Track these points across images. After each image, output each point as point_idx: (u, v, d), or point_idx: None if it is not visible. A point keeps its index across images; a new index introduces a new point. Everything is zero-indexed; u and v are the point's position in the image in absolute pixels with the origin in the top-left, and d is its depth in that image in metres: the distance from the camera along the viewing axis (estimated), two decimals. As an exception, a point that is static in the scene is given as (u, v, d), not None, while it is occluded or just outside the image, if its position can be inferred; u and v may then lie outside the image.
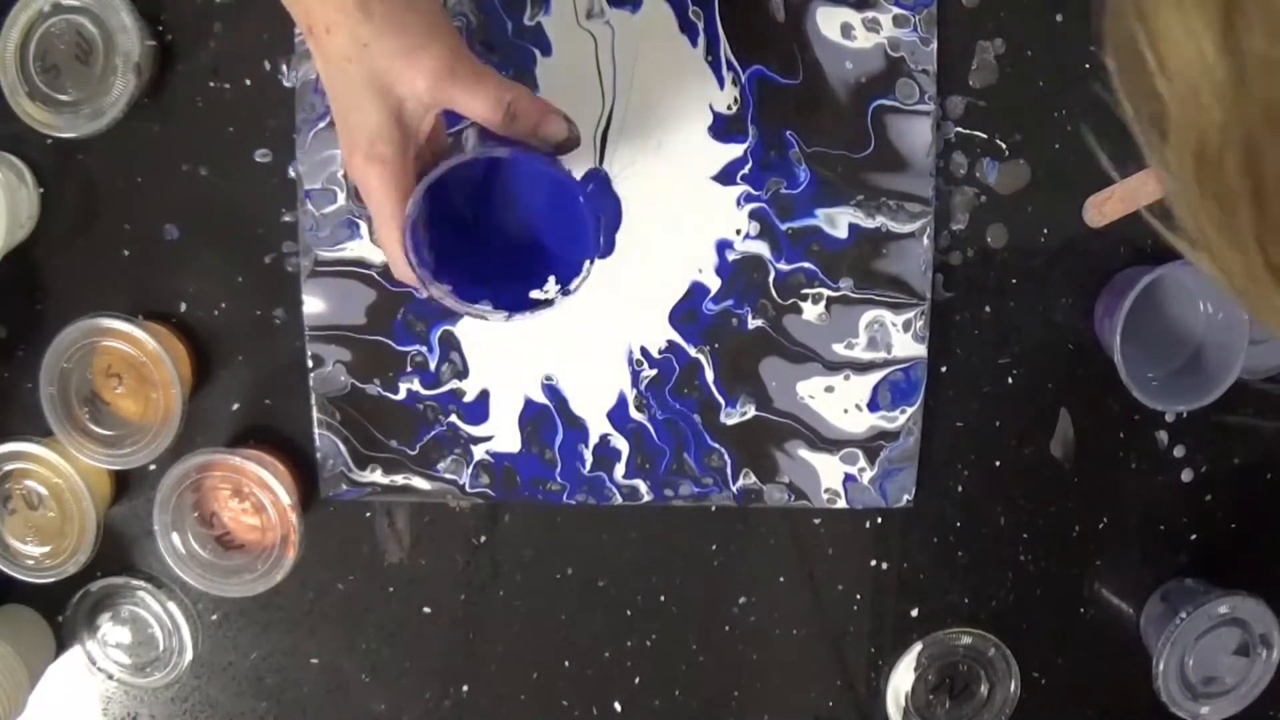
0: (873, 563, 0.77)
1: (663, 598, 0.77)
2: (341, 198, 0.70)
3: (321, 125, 0.69)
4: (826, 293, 0.72)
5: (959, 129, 0.72)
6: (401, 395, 0.72)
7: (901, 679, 0.77)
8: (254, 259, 0.72)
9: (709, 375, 0.73)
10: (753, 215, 0.71)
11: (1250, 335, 0.71)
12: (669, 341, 0.72)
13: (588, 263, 0.56)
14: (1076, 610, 0.78)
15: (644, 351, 0.72)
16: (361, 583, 0.76)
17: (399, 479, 0.73)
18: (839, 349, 0.72)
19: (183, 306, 0.72)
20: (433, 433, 0.73)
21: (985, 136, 0.73)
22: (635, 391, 0.73)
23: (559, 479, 0.73)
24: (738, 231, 0.71)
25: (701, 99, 0.70)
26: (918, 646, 0.76)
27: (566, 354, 0.72)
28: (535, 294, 0.57)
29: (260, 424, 0.74)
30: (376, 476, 0.73)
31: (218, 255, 0.72)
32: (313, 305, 0.71)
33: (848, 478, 0.74)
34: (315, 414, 0.72)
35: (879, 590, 0.77)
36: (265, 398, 0.73)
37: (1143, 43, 0.29)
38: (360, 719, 0.78)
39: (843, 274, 0.72)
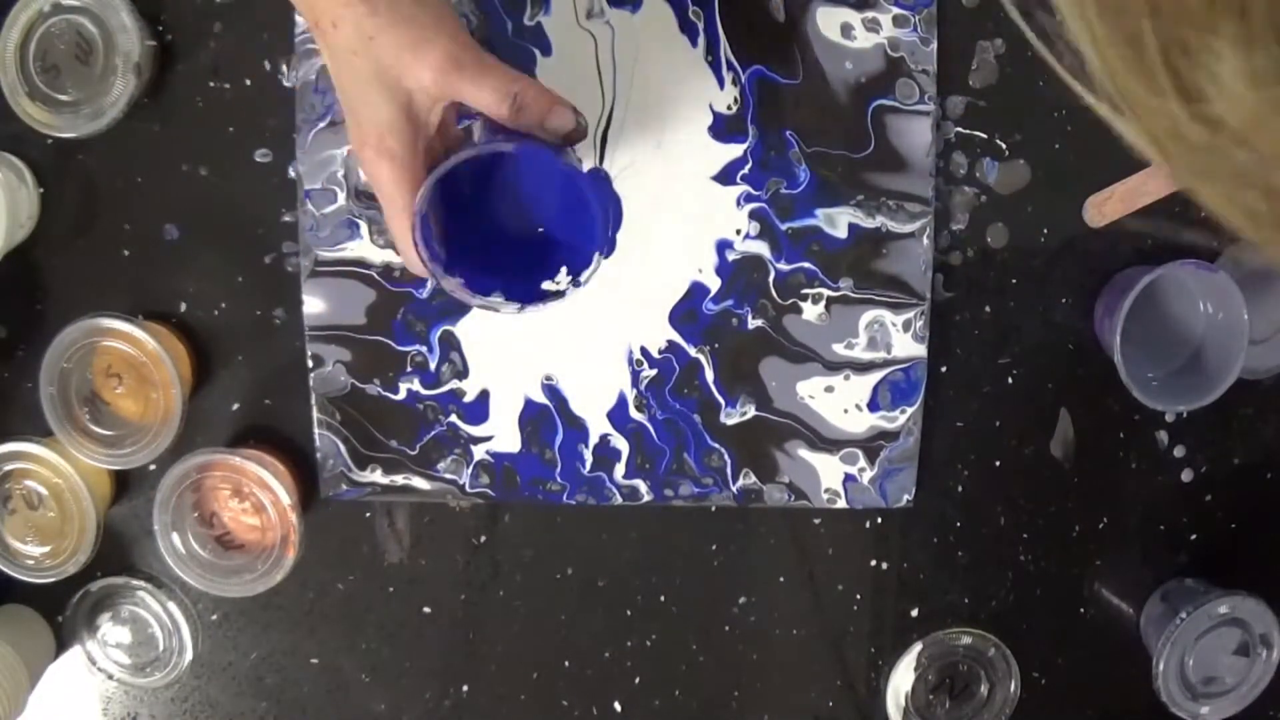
0: (873, 563, 0.77)
1: (663, 598, 0.77)
2: (342, 198, 0.70)
3: (321, 125, 0.69)
4: (826, 293, 0.72)
5: (959, 129, 0.72)
6: (401, 395, 0.72)
7: (901, 679, 0.77)
8: (254, 259, 0.72)
9: (709, 375, 0.73)
10: (753, 215, 0.71)
11: (1250, 335, 0.71)
12: (669, 341, 0.72)
13: (597, 255, 0.56)
14: (1076, 610, 0.78)
15: (644, 351, 0.72)
16: (361, 583, 0.76)
17: (399, 479, 0.73)
18: (839, 349, 0.72)
19: (183, 306, 0.72)
20: (433, 433, 0.73)
21: (985, 136, 0.73)
22: (635, 391, 0.73)
23: (559, 479, 0.73)
24: (738, 231, 0.71)
25: (701, 99, 0.70)
26: (918, 646, 0.76)
27: (566, 354, 0.72)
28: (547, 285, 0.57)
29: (260, 424, 0.74)
30: (376, 476, 0.73)
31: (218, 255, 0.72)
32: (313, 305, 0.71)
33: (848, 478, 0.74)
34: (315, 414, 0.72)
35: (879, 590, 0.77)
36: (265, 398, 0.73)
37: None
38: (360, 719, 0.78)
39: (843, 274, 0.72)
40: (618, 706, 0.78)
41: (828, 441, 0.73)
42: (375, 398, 0.72)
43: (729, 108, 0.70)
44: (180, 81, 0.70)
